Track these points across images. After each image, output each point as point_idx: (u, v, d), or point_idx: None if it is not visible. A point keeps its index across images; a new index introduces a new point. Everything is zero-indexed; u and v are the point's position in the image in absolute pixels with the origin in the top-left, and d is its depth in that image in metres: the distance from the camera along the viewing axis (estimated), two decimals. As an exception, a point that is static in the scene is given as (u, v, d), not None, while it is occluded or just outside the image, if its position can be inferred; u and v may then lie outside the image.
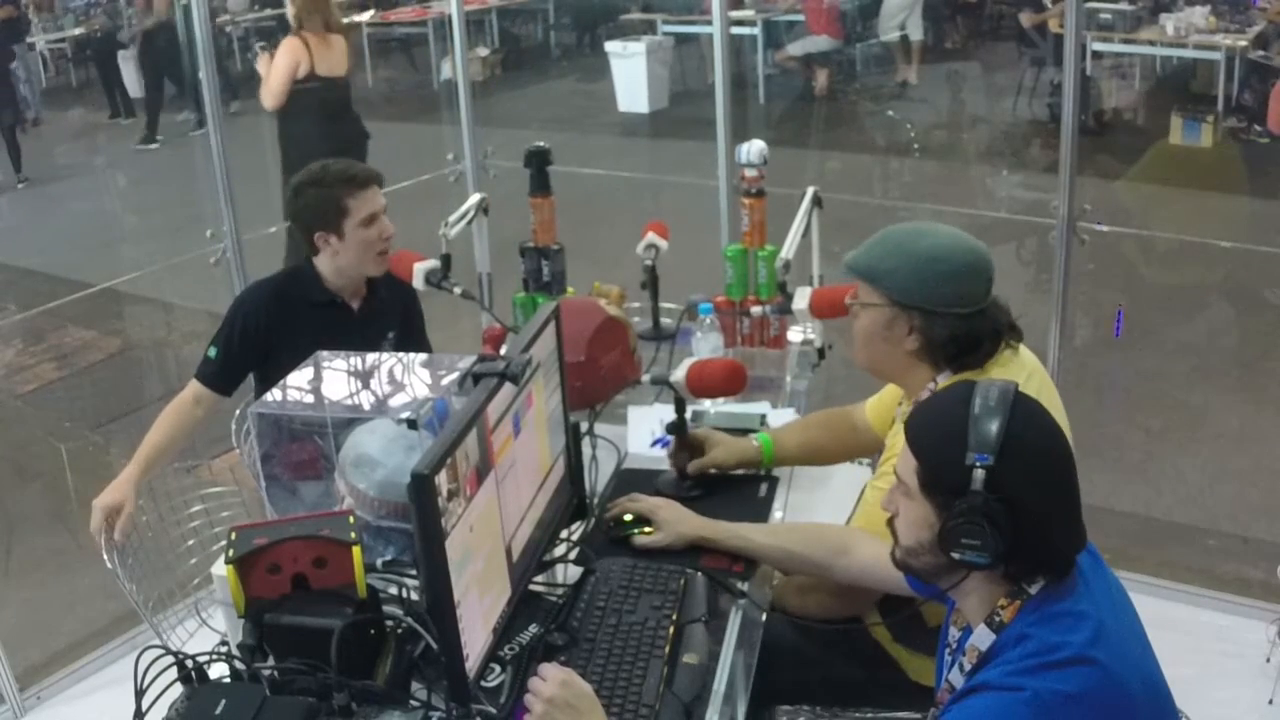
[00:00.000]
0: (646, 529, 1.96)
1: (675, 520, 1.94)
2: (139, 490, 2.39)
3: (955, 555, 1.34)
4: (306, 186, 2.56)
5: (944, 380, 1.83)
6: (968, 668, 1.41)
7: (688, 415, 2.41)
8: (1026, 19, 8.74)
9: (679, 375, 2.11)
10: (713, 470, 2.18)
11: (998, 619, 1.38)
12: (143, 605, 2.33)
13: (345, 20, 5.74)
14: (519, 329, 2.56)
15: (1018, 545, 1.33)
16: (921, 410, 1.46)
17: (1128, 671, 1.31)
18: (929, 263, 1.81)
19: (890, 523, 1.48)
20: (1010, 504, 1.31)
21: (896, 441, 1.68)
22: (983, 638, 1.39)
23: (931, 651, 1.66)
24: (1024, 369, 1.86)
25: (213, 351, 2.56)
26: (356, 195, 2.52)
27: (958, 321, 1.80)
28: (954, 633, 1.50)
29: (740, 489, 2.17)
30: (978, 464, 1.32)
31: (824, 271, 2.60)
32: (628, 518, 1.98)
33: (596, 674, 1.62)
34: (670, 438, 2.15)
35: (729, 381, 2.12)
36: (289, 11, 5.11)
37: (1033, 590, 1.36)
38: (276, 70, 4.92)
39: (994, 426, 1.33)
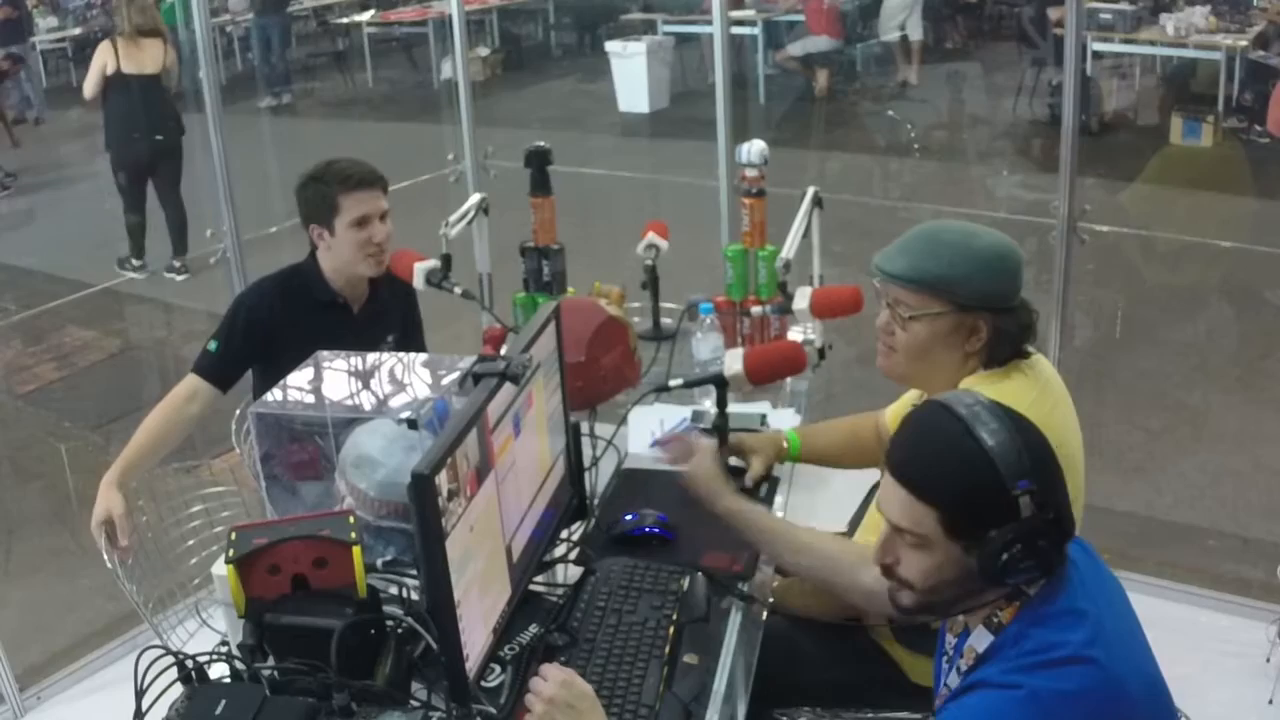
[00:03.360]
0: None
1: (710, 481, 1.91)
2: (124, 490, 2.33)
3: (1010, 581, 1.32)
4: (309, 180, 2.56)
5: (975, 380, 1.82)
6: (964, 669, 1.41)
7: (688, 416, 2.43)
8: (1055, 13, 8.68)
9: (735, 368, 2.10)
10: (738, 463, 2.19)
11: (996, 620, 1.37)
12: (143, 605, 2.33)
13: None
14: (519, 329, 2.56)
15: None
16: (919, 456, 1.37)
17: (1126, 671, 1.31)
18: (996, 261, 1.80)
19: (889, 571, 1.43)
20: (1055, 513, 1.31)
21: None
22: (980, 639, 1.39)
23: (932, 652, 1.66)
24: (1045, 362, 1.88)
25: (213, 345, 2.54)
26: (350, 195, 2.52)
27: (1019, 313, 1.81)
28: (950, 639, 1.49)
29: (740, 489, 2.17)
30: (1020, 490, 1.29)
31: (824, 272, 2.60)
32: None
33: (596, 674, 1.62)
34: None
35: (791, 361, 2.14)
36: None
37: (1031, 591, 1.36)
38: (90, 69, 6.27)
39: (1017, 446, 1.30)
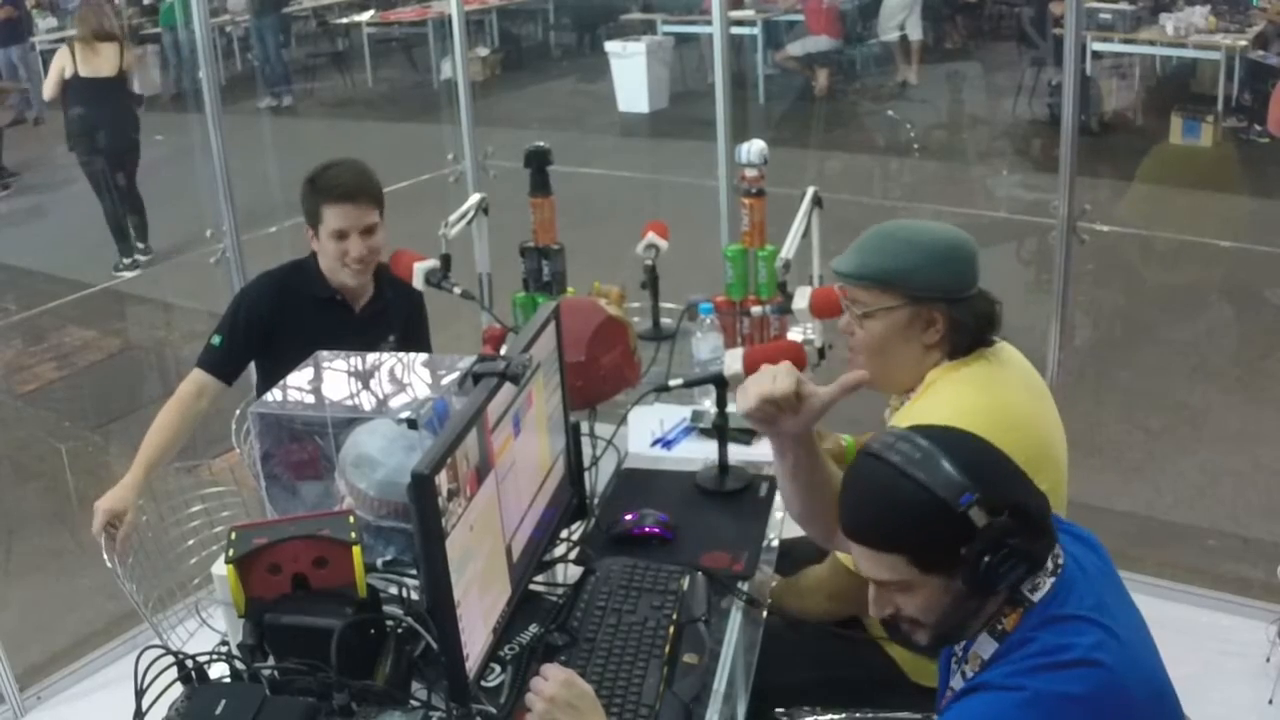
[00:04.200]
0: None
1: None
2: (141, 494, 2.38)
3: (1002, 585, 1.32)
4: (306, 181, 2.57)
5: (939, 371, 1.83)
6: (969, 674, 1.41)
7: (688, 416, 2.43)
8: (1057, 8, 8.67)
9: (735, 367, 2.11)
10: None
11: (1000, 627, 1.37)
12: (143, 605, 2.33)
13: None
14: (519, 329, 2.56)
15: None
16: (865, 512, 1.36)
17: (1132, 676, 1.30)
18: (948, 251, 1.82)
19: (893, 623, 1.42)
20: (1012, 510, 1.31)
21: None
22: (985, 645, 1.38)
23: (931, 653, 1.66)
24: (1011, 349, 1.89)
25: (217, 339, 2.56)
26: (333, 207, 2.52)
27: (975, 302, 1.83)
28: None
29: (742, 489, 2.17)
30: (966, 505, 1.29)
31: (824, 271, 2.60)
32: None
33: (596, 674, 1.62)
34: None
35: (791, 360, 2.13)
36: None
37: (1035, 597, 1.35)
38: (49, 73, 6.82)
39: (946, 466, 1.30)
